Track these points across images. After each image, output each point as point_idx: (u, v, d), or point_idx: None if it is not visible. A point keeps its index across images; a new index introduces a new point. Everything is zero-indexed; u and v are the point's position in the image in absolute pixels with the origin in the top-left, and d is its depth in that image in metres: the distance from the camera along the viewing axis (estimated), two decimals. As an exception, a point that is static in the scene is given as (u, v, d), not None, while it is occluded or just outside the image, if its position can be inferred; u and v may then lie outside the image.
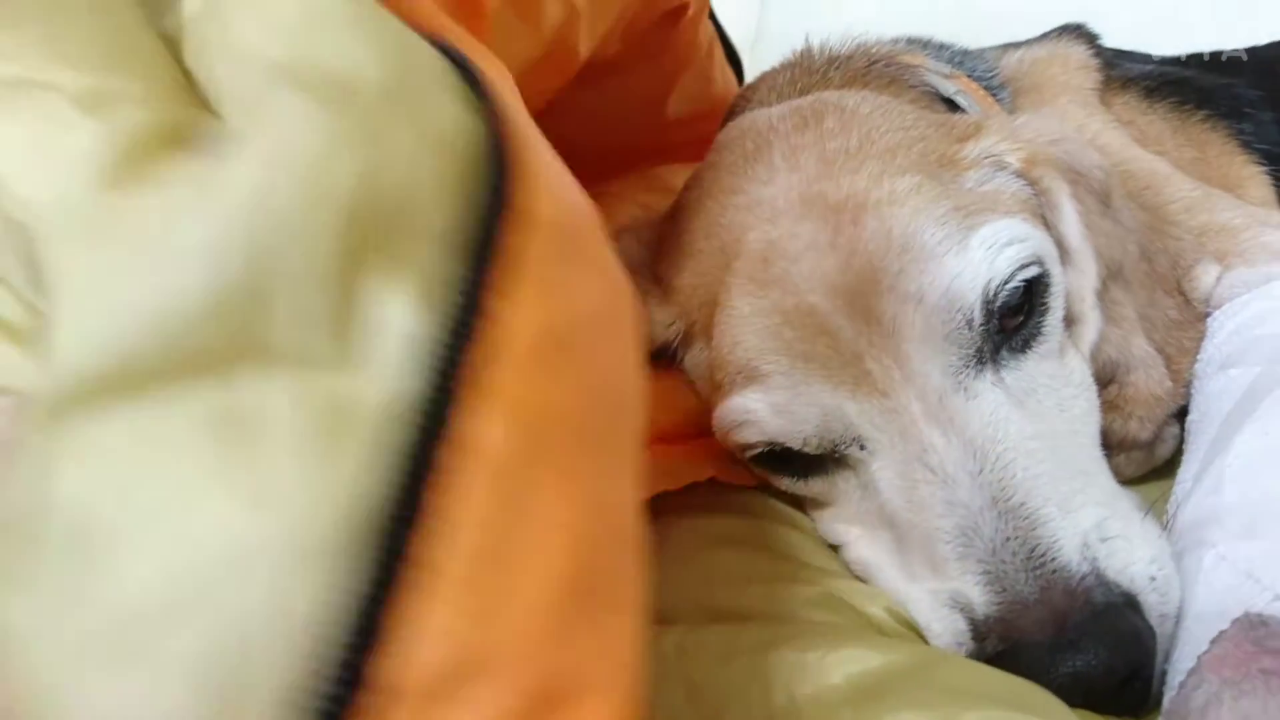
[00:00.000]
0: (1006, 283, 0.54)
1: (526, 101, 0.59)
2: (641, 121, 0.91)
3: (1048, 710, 0.41)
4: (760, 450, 0.58)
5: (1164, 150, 0.77)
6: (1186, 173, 0.73)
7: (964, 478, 0.51)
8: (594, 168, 0.86)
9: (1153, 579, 0.48)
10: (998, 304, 0.54)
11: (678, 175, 0.94)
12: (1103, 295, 0.59)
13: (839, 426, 0.55)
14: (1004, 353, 0.55)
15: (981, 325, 0.53)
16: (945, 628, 0.50)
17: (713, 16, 0.94)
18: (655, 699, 0.44)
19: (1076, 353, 0.58)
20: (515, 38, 0.50)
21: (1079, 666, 0.45)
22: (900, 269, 0.53)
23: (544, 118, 0.70)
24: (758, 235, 0.58)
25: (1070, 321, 0.59)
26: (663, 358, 0.67)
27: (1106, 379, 0.59)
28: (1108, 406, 0.59)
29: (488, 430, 0.27)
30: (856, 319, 0.53)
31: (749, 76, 0.92)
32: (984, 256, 0.54)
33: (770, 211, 0.58)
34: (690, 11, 0.84)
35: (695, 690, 0.45)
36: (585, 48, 0.60)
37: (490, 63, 0.37)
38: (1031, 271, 0.55)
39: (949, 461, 0.51)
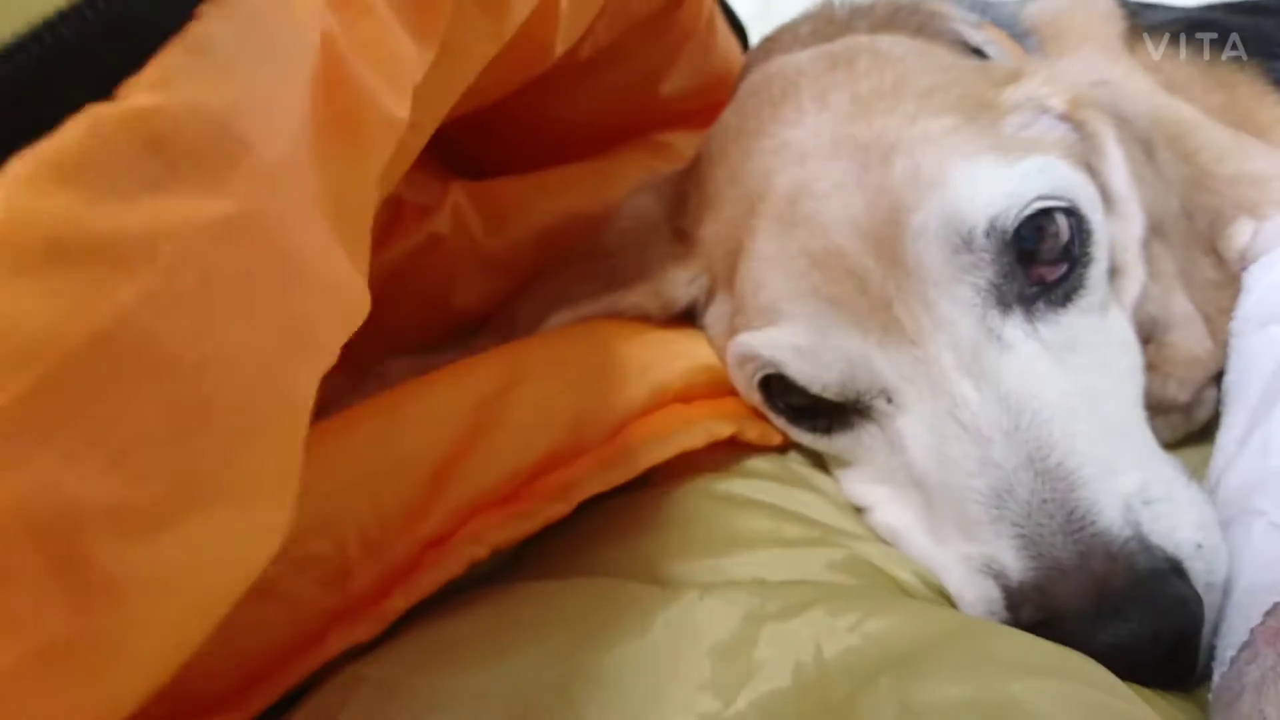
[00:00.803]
0: (1022, 211, 0.51)
1: (488, 91, 0.55)
2: (637, 101, 0.88)
3: (1099, 680, 0.39)
4: (775, 388, 0.56)
5: (1192, 96, 0.74)
6: (1215, 118, 0.71)
7: (998, 435, 0.48)
8: (588, 145, 0.84)
9: (1199, 545, 0.46)
10: (1011, 235, 0.51)
11: (680, 139, 0.92)
12: (1146, 248, 0.57)
13: (865, 376, 0.53)
14: (1040, 304, 0.52)
15: (985, 252, 0.51)
16: (978, 595, 0.48)
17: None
18: (674, 664, 0.43)
19: (1120, 309, 0.56)
20: (475, 33, 0.47)
21: (1122, 636, 0.43)
22: (917, 205, 0.51)
23: (535, 100, 0.68)
24: (785, 177, 0.56)
25: (1113, 274, 0.56)
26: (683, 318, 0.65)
27: (1145, 337, 0.57)
28: (1146, 367, 0.56)
29: None
30: (885, 262, 0.51)
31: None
32: (1000, 185, 0.51)
33: (798, 153, 0.56)
34: None
35: (719, 655, 0.43)
36: (561, 46, 0.58)
37: None
38: (1053, 204, 0.52)
39: (982, 417, 0.49)
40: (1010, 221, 0.51)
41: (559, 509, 0.51)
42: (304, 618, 0.44)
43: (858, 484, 0.57)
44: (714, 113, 0.95)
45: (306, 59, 0.31)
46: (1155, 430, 0.56)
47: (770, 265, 0.55)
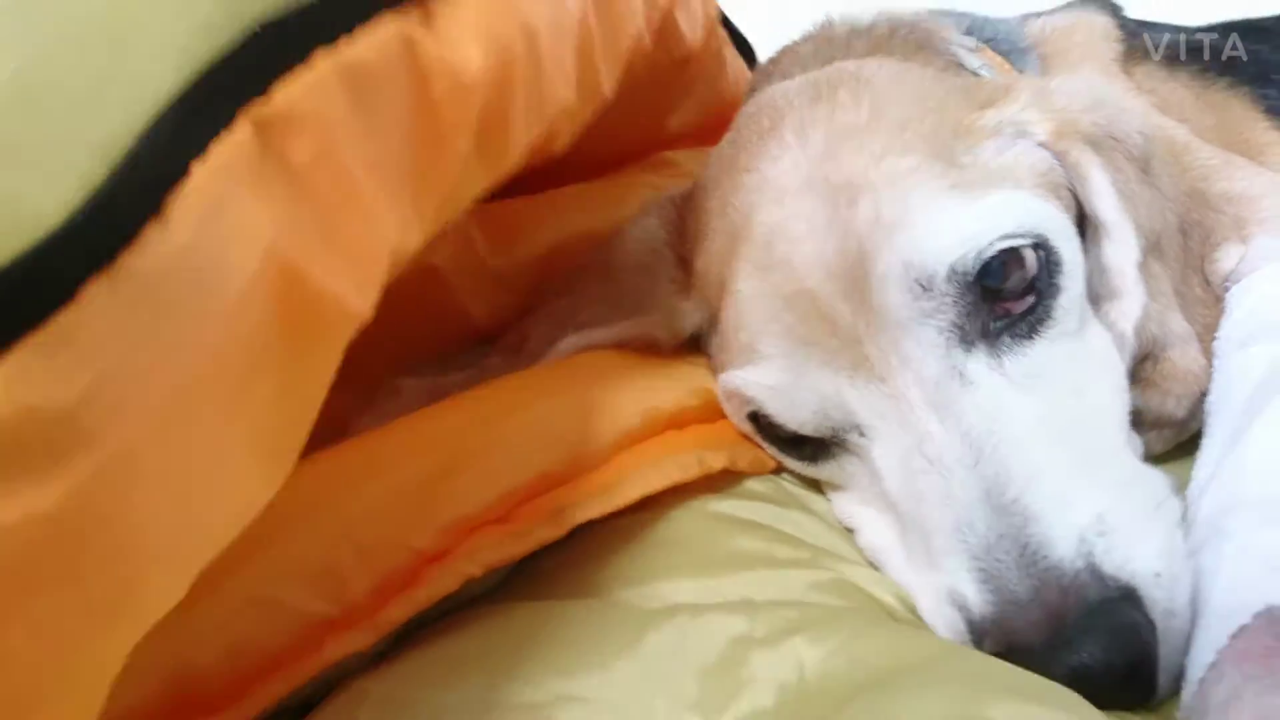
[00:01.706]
0: (983, 253, 0.52)
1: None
2: (643, 134, 0.90)
3: (1073, 705, 0.40)
4: (759, 418, 0.58)
5: (1185, 118, 0.75)
6: (1207, 141, 0.72)
7: (959, 469, 0.50)
8: (591, 171, 0.86)
9: (1157, 574, 0.47)
10: (974, 276, 0.52)
11: (684, 156, 0.94)
12: (1144, 268, 0.58)
13: (838, 413, 0.54)
14: (1006, 338, 0.53)
15: (946, 295, 0.52)
16: (945, 624, 0.50)
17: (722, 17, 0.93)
18: (662, 684, 0.45)
19: (1104, 331, 0.57)
20: (476, 180, 0.49)
21: (1075, 665, 0.44)
22: (879, 249, 0.52)
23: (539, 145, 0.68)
24: (764, 216, 0.58)
25: (1106, 296, 0.58)
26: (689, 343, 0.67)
27: (1145, 354, 0.58)
28: (1143, 384, 0.58)
29: None
30: (854, 303, 0.53)
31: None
32: (962, 228, 0.52)
33: (777, 191, 0.58)
34: (698, 50, 0.83)
35: (706, 676, 0.45)
36: (564, 143, 0.59)
37: None
38: (1017, 243, 0.53)
39: (946, 452, 0.50)
40: (971, 264, 0.52)
41: (551, 532, 0.52)
42: (301, 624, 0.46)
43: (847, 505, 0.59)
44: (720, 132, 0.97)
45: (232, 291, 0.31)
46: (1147, 444, 0.58)
47: (749, 305, 0.57)
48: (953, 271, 0.52)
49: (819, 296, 0.54)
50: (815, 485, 0.62)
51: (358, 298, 0.37)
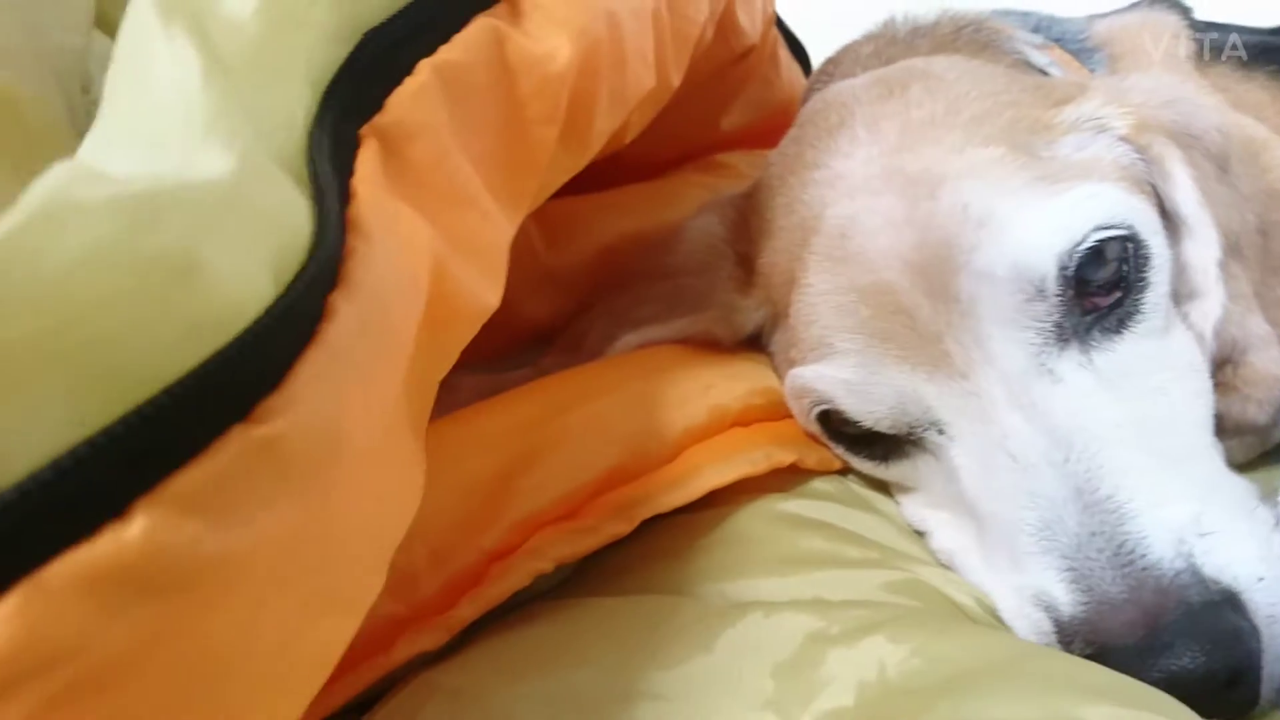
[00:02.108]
0: (1080, 245, 0.51)
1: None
2: (696, 135, 0.90)
3: (1171, 711, 0.39)
4: (832, 419, 0.57)
5: (1263, 118, 0.74)
6: None
7: (1046, 467, 0.48)
8: (644, 172, 0.86)
9: (1261, 579, 0.45)
10: (1073, 271, 0.51)
11: (738, 158, 0.94)
12: (1224, 269, 0.56)
13: (916, 409, 0.53)
14: (1095, 332, 0.52)
15: (1057, 296, 0.51)
16: (1029, 626, 0.48)
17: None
18: (738, 681, 0.44)
19: (1186, 331, 0.55)
20: (562, 169, 0.49)
21: (1173, 670, 0.42)
22: (975, 244, 0.51)
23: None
24: (836, 210, 0.56)
25: (1187, 296, 0.56)
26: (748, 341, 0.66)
27: (1224, 358, 0.56)
28: (1223, 389, 0.56)
29: None
30: (934, 297, 0.52)
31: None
32: (1057, 222, 0.51)
33: (849, 186, 0.57)
34: (756, 45, 0.82)
35: (782, 673, 0.43)
36: (633, 134, 0.59)
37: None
38: (1111, 234, 0.52)
39: (1031, 449, 0.49)
40: (1072, 260, 0.51)
41: (620, 527, 0.52)
42: (373, 625, 0.46)
43: (917, 508, 0.57)
44: (773, 135, 0.96)
45: (419, 296, 0.32)
46: (1229, 451, 0.56)
47: (821, 300, 0.56)
48: (1060, 268, 0.51)
49: (897, 289, 0.53)
50: (881, 486, 0.60)
51: (488, 291, 0.38)
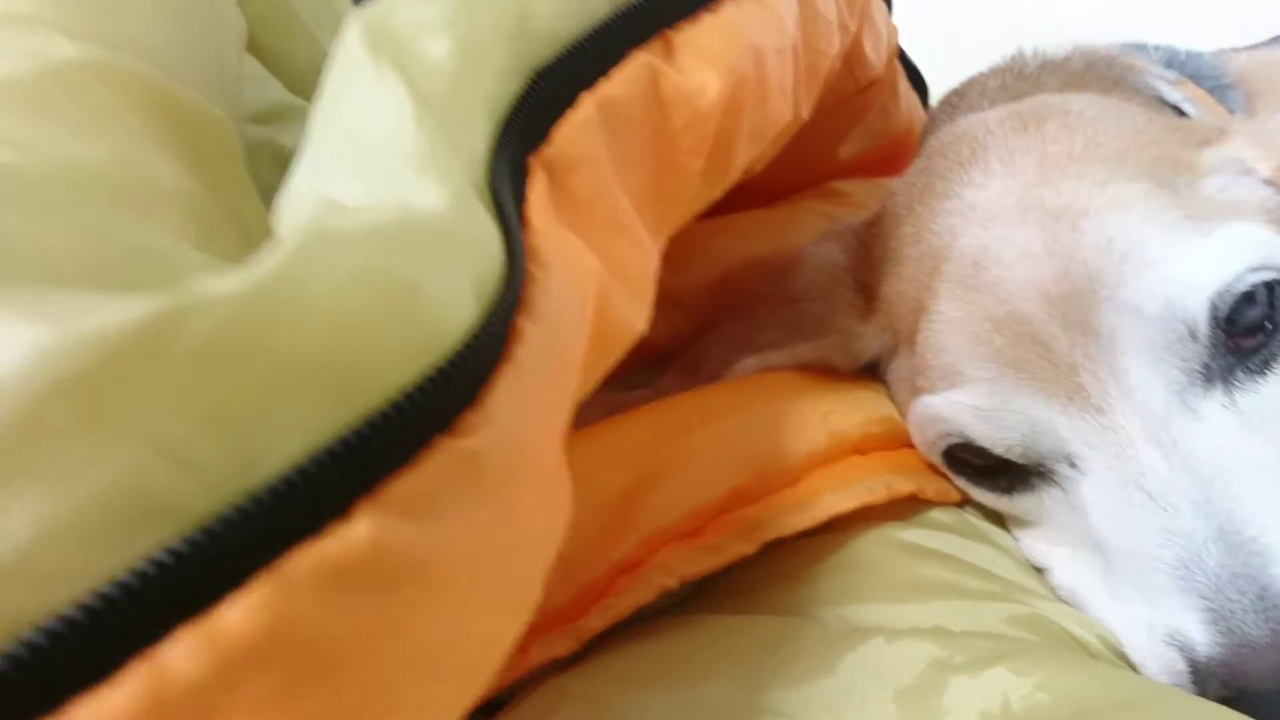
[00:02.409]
0: (1234, 287, 0.50)
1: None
2: (813, 163, 0.91)
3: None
4: (956, 451, 0.57)
5: None
6: None
7: (1186, 505, 0.48)
8: (762, 198, 0.88)
9: None
10: (1225, 313, 0.51)
11: (855, 186, 0.94)
12: None
13: (1048, 441, 0.53)
14: (1239, 373, 0.51)
15: (1208, 337, 0.50)
16: (1161, 666, 0.48)
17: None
18: (861, 704, 0.45)
19: None
20: (701, 199, 0.51)
21: None
22: (1120, 278, 0.51)
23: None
24: (969, 240, 0.57)
25: None
26: (865, 369, 0.67)
27: None
28: None
29: None
30: (1072, 330, 0.52)
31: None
32: (1210, 262, 0.51)
33: (983, 216, 0.57)
34: (879, 76, 0.83)
35: (904, 699, 0.44)
36: (763, 164, 0.61)
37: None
38: (1263, 276, 0.51)
39: (1170, 487, 0.49)
40: (1226, 302, 0.51)
41: (744, 548, 0.53)
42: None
43: (1038, 543, 0.57)
44: (888, 163, 0.97)
45: (585, 322, 0.34)
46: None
47: (952, 328, 0.56)
48: (1212, 308, 0.50)
49: (1033, 320, 0.53)
50: (998, 519, 0.60)
51: (639, 317, 0.40)
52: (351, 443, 0.23)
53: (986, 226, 0.56)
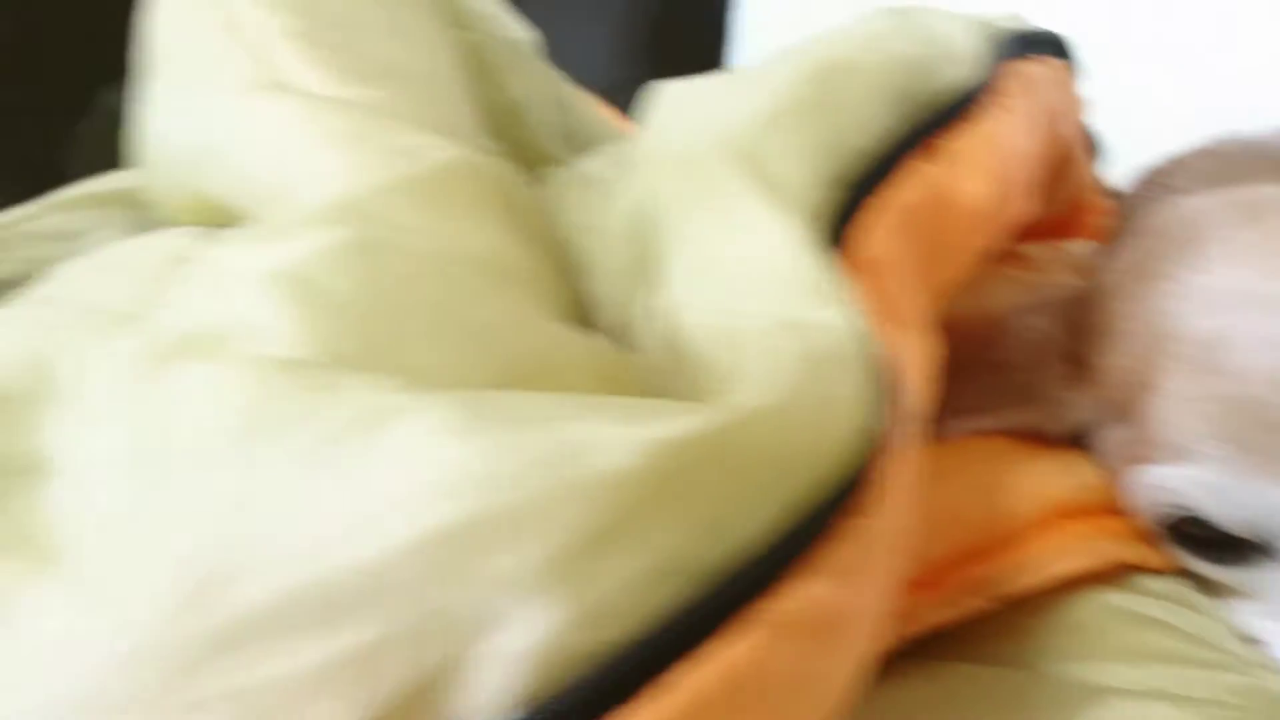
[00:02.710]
0: None
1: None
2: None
3: None
4: (1178, 525, 0.60)
5: None
6: None
7: None
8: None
9: None
10: None
11: (1032, 248, 0.97)
12: None
13: (1275, 521, 0.56)
14: None
15: None
16: None
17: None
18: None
19: None
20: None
21: None
22: None
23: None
24: (1199, 324, 0.60)
25: None
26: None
27: None
28: None
29: None
30: None
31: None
32: None
33: (1210, 301, 0.61)
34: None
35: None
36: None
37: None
38: None
39: None
40: None
41: (978, 603, 0.57)
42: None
43: (1254, 617, 0.60)
44: (1066, 228, 0.99)
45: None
46: None
47: (1182, 405, 0.59)
48: None
49: (1268, 405, 0.56)
50: (1210, 589, 0.63)
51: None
52: (809, 515, 0.29)
53: (1215, 313, 0.60)
